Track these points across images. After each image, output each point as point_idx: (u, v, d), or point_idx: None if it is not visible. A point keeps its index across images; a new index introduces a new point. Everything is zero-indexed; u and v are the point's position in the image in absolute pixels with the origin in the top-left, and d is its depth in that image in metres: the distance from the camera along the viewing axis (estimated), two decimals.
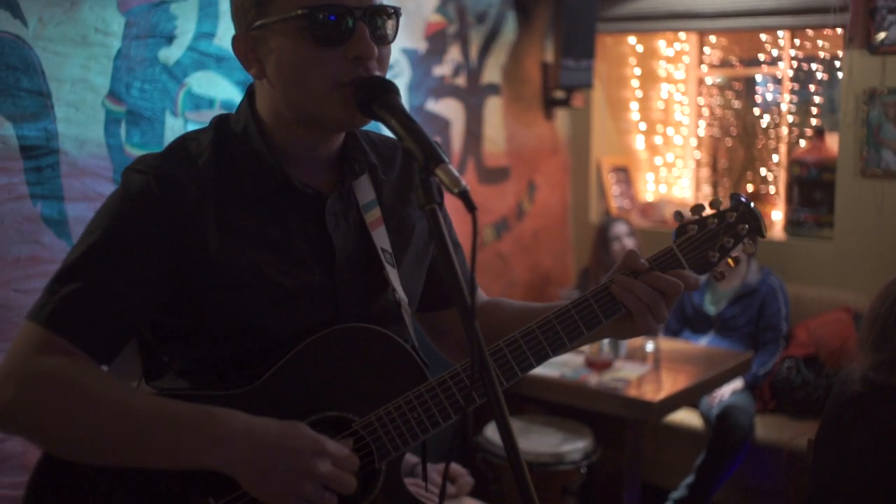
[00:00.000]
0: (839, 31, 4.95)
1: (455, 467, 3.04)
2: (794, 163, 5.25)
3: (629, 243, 5.06)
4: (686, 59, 6.08)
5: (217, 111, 3.52)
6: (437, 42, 4.80)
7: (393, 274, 1.60)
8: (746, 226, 1.63)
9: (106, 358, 1.44)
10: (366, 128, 1.59)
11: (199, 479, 1.41)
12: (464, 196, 1.20)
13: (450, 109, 4.95)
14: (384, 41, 1.48)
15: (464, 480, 2.99)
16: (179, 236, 1.44)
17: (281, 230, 1.51)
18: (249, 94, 1.57)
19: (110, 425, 1.37)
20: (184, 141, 1.54)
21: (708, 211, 1.64)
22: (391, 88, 1.41)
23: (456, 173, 1.23)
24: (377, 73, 1.46)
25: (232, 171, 1.50)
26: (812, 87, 5.49)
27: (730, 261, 1.64)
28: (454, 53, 4.94)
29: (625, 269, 1.59)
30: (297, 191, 1.51)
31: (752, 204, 1.65)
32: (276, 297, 1.48)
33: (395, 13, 1.49)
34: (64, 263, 1.43)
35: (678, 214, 1.65)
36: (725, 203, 1.65)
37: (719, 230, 1.63)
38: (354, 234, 1.57)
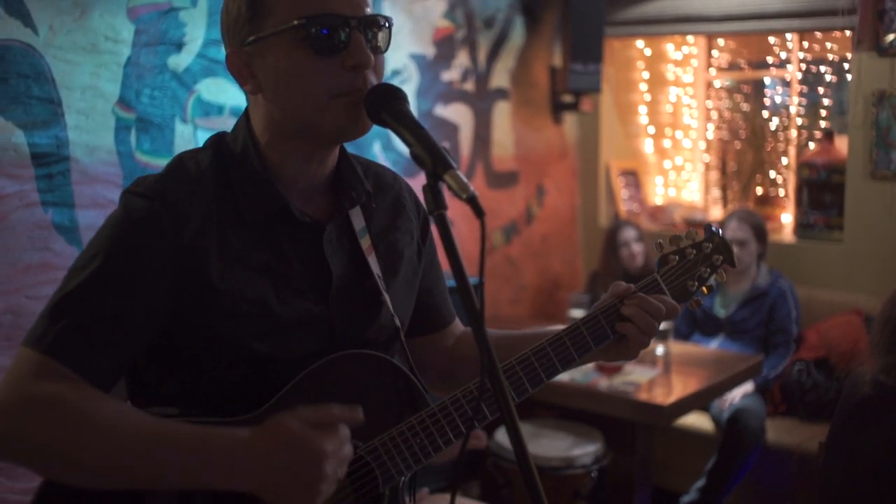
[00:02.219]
0: (848, 33, 4.93)
1: None
2: (803, 165, 5.24)
3: (637, 249, 5.06)
4: (694, 62, 6.08)
5: (227, 118, 3.54)
6: (445, 47, 4.81)
7: (386, 299, 1.61)
8: (720, 257, 1.74)
9: (108, 386, 1.41)
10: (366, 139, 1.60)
11: (205, 494, 1.40)
12: (472, 202, 1.20)
13: (458, 114, 4.96)
14: (378, 51, 1.49)
15: None
16: (183, 263, 1.42)
17: (278, 258, 1.51)
18: (247, 113, 1.57)
19: (117, 450, 1.32)
20: (181, 161, 1.52)
21: (685, 242, 1.74)
22: (400, 96, 1.41)
23: (464, 179, 1.24)
24: (373, 82, 1.46)
25: (231, 196, 1.50)
26: (821, 90, 5.48)
27: (704, 289, 1.75)
28: (462, 58, 4.95)
29: (615, 296, 1.66)
30: (295, 219, 1.52)
31: (723, 234, 1.76)
32: (274, 326, 1.48)
33: (388, 24, 1.50)
34: (64, 288, 1.40)
35: (658, 245, 1.74)
36: (700, 235, 1.75)
37: (697, 260, 1.73)
38: (348, 261, 1.58)
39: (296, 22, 1.41)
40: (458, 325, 1.89)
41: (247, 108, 1.57)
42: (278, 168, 1.52)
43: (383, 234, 1.66)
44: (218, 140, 1.57)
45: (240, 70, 1.49)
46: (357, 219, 1.62)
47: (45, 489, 1.42)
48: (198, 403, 1.49)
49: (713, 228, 1.75)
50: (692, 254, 1.73)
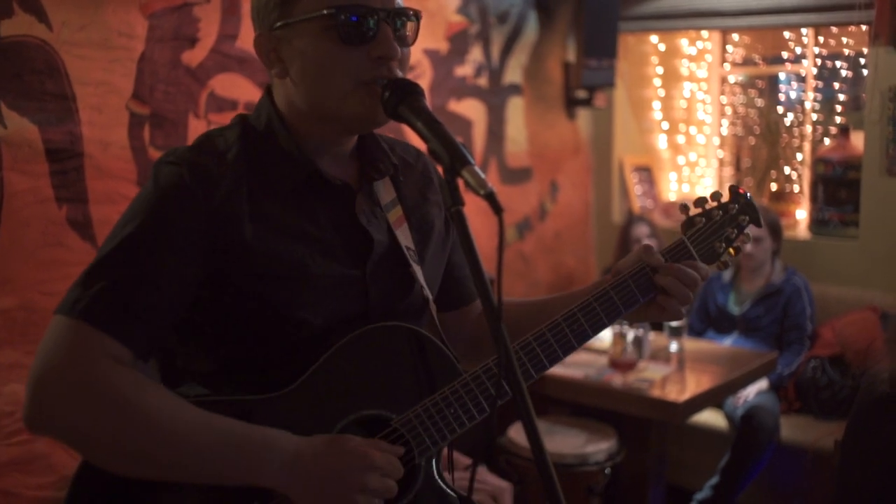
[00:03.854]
0: (864, 27, 4.90)
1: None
2: (818, 161, 5.21)
3: None
4: (709, 57, 6.05)
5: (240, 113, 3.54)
6: (458, 42, 4.79)
7: (418, 271, 1.62)
8: (746, 217, 1.72)
9: (145, 353, 1.41)
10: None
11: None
12: (490, 198, 1.20)
13: (472, 110, 4.95)
14: (405, 43, 1.51)
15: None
16: (215, 226, 1.43)
17: (311, 222, 1.52)
18: (269, 92, 1.58)
19: (160, 441, 1.33)
20: (210, 137, 1.54)
21: (710, 203, 1.72)
22: (416, 91, 1.42)
23: (482, 175, 1.23)
24: (399, 74, 1.48)
25: (261, 168, 1.51)
26: (836, 85, 5.44)
27: (731, 250, 1.72)
28: (476, 54, 4.93)
29: (640, 262, 1.64)
30: (326, 182, 1.53)
31: (750, 195, 1.74)
32: (309, 287, 1.48)
33: (416, 16, 1.52)
34: (97, 258, 1.40)
35: (684, 207, 1.73)
36: (725, 195, 1.73)
37: (724, 221, 1.71)
38: (382, 231, 1.59)
39: (325, 10, 1.43)
40: None
41: (268, 87, 1.59)
42: (303, 139, 1.54)
43: (416, 206, 1.67)
44: (242, 119, 1.59)
45: (267, 53, 1.52)
46: (388, 191, 1.63)
47: (79, 480, 1.43)
48: (229, 381, 1.50)
49: (738, 189, 1.73)
50: (718, 215, 1.71)
